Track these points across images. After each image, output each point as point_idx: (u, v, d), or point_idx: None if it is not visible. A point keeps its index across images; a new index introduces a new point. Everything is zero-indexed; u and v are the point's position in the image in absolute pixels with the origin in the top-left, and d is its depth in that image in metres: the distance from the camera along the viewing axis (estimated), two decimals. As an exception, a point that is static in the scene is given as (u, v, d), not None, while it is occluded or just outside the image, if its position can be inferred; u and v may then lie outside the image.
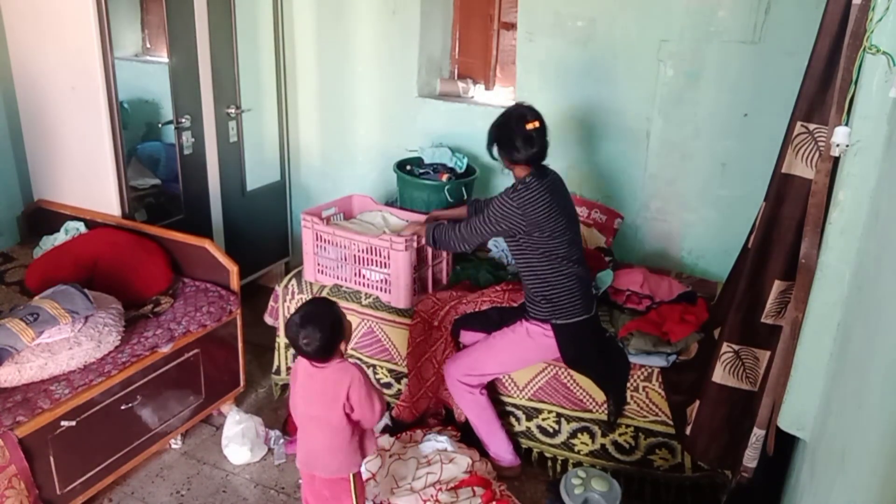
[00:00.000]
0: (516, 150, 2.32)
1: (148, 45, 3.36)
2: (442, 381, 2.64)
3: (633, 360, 2.42)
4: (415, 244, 2.63)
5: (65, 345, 2.18)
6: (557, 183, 2.40)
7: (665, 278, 2.86)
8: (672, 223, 3.20)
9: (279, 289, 2.94)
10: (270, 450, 2.68)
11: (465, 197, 3.13)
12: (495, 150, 2.39)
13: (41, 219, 3.09)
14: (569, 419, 2.52)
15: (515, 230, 2.34)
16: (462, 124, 3.50)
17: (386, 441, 2.54)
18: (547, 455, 2.61)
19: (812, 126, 1.70)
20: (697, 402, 2.14)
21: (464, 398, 2.51)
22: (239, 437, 2.62)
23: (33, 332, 2.14)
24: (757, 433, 1.90)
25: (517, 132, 2.32)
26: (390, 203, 3.27)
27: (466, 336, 2.60)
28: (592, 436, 2.51)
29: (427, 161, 3.35)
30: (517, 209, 2.30)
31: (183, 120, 3.15)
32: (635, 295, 2.74)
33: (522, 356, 2.48)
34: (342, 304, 2.78)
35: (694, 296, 2.69)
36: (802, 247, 1.71)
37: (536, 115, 2.35)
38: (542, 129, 2.34)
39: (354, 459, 1.95)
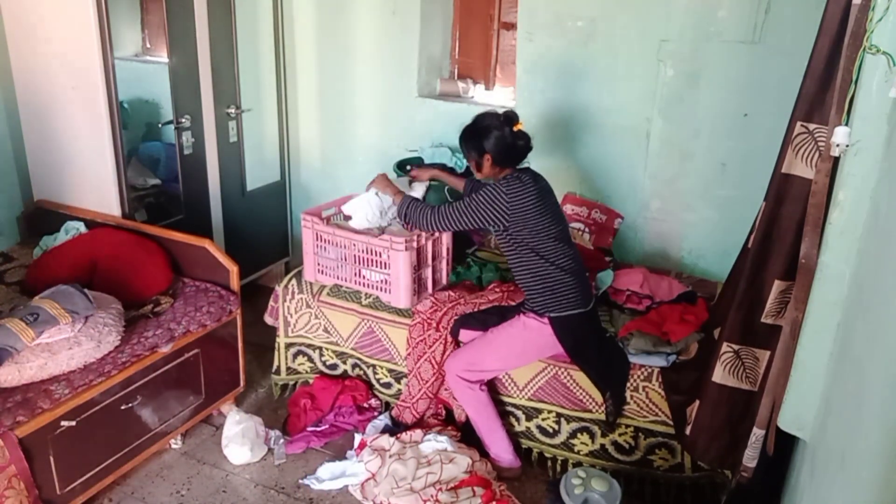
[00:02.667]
0: (511, 148, 2.39)
1: (148, 45, 3.36)
2: (442, 381, 2.64)
3: (633, 360, 2.42)
4: (414, 244, 2.63)
5: (65, 345, 2.18)
6: (543, 181, 2.44)
7: (665, 278, 2.86)
8: (672, 223, 3.20)
9: (279, 289, 2.94)
10: (270, 450, 2.68)
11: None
12: (485, 156, 2.41)
13: (41, 219, 3.09)
14: (569, 419, 2.52)
15: (499, 223, 2.36)
16: (462, 124, 3.49)
17: (386, 441, 2.54)
18: (547, 455, 2.61)
19: (812, 126, 1.70)
20: (697, 402, 2.14)
21: (464, 394, 2.51)
22: (239, 437, 2.62)
23: (33, 332, 2.13)
24: (757, 433, 1.89)
25: (508, 134, 2.38)
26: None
27: (466, 335, 2.60)
28: (592, 436, 2.51)
29: (427, 161, 3.35)
30: (506, 201, 2.32)
31: (183, 120, 3.15)
32: (635, 295, 2.74)
33: (521, 351, 2.48)
34: (342, 303, 2.81)
35: (694, 296, 2.69)
36: (802, 247, 1.71)
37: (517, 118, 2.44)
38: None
39: None
